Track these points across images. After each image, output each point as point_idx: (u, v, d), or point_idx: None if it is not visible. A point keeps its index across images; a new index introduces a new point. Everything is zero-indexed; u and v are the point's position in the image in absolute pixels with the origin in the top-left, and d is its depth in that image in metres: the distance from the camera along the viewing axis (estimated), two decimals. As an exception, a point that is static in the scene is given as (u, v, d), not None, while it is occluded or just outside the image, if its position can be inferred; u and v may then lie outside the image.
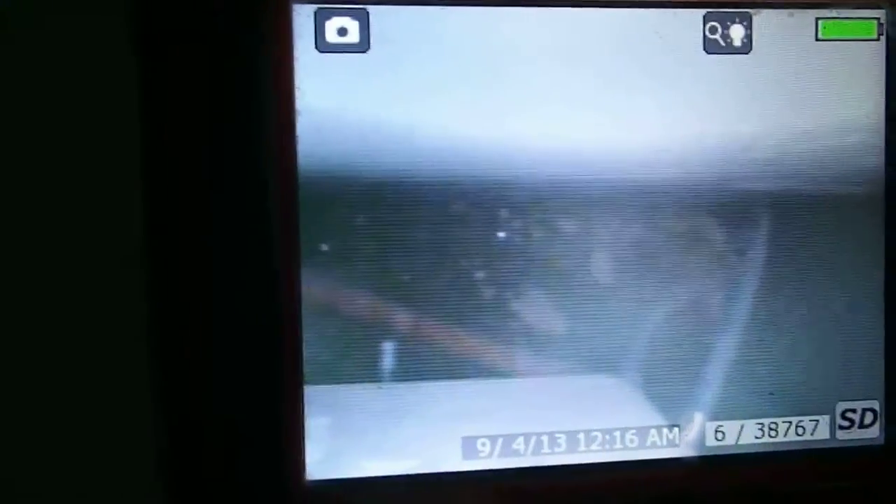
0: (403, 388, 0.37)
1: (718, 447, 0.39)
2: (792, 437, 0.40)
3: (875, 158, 0.40)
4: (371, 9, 0.36)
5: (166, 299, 0.35)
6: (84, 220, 0.34)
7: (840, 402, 0.40)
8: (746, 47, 0.39)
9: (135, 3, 0.35)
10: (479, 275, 0.37)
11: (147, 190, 0.35)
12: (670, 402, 0.39)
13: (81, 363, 0.34)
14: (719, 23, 0.39)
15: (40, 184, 0.34)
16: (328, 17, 0.36)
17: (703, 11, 0.38)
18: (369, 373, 0.37)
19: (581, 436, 0.38)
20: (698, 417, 0.39)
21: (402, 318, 0.37)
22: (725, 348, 0.39)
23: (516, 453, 0.38)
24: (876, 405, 0.40)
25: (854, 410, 0.40)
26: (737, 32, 0.39)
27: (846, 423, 0.40)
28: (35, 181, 0.34)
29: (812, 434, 0.40)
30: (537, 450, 0.38)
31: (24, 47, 0.33)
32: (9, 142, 0.33)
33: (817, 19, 0.39)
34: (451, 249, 0.37)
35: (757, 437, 0.40)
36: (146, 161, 0.35)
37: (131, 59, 0.34)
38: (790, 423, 0.40)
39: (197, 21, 0.35)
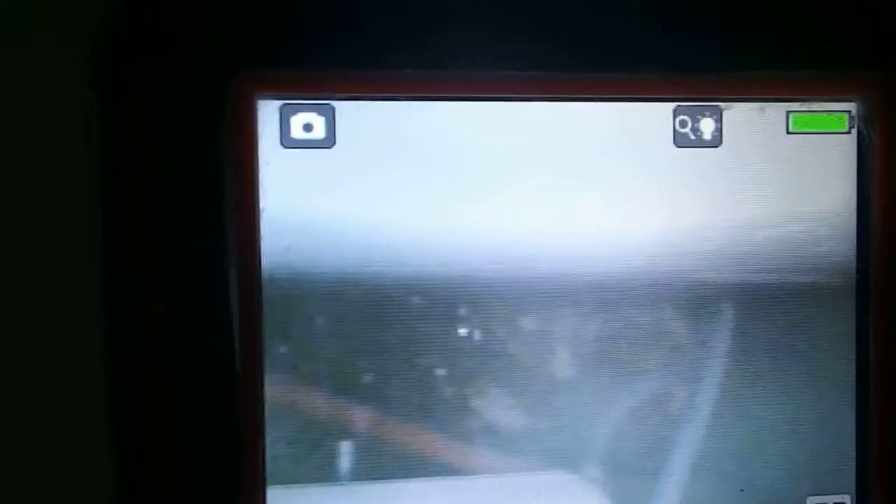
0: (365, 488, 0.37)
1: (687, 543, 0.39)
2: (762, 532, 0.39)
3: (846, 250, 0.40)
4: (337, 104, 0.36)
5: (127, 403, 0.34)
6: (40, 319, 0.34)
7: (810, 497, 0.40)
8: (717, 140, 0.39)
9: (97, 97, 0.34)
10: (441, 372, 0.37)
11: (107, 288, 0.34)
12: (636, 499, 0.39)
13: (46, 470, 0.34)
14: (689, 116, 0.38)
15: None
16: (294, 113, 0.36)
17: (672, 105, 0.38)
18: (331, 473, 0.36)
19: (547, 532, 0.38)
20: (665, 513, 0.39)
21: (364, 417, 0.36)
22: (691, 443, 0.39)
23: (481, 550, 0.38)
24: (847, 499, 0.40)
25: (825, 505, 0.40)
26: (707, 126, 0.39)
27: (817, 518, 0.40)
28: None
29: (782, 529, 0.40)
30: (503, 546, 0.38)
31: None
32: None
33: (788, 112, 0.39)
34: (413, 347, 0.37)
35: (726, 533, 0.39)
36: (106, 258, 0.34)
37: (95, 156, 0.34)
38: (760, 518, 0.39)
39: (159, 115, 0.35)
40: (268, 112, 0.36)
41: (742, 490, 0.39)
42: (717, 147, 0.39)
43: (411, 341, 0.37)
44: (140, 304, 0.35)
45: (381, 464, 0.37)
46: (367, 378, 0.36)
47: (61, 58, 0.34)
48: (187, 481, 0.35)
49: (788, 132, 0.39)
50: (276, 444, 0.36)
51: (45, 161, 0.34)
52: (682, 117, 0.38)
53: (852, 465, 0.40)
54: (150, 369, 0.35)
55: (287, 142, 0.36)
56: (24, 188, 0.34)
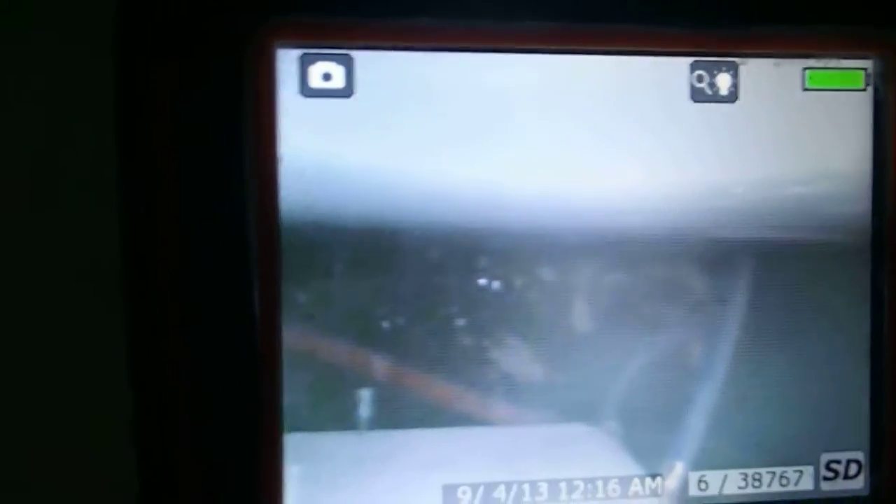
0: (383, 435, 0.37)
1: (701, 497, 0.39)
2: (776, 487, 0.40)
3: (861, 208, 0.40)
4: (356, 54, 0.36)
5: (145, 347, 0.34)
6: (59, 266, 0.34)
7: (825, 453, 0.40)
8: (733, 96, 0.39)
9: (116, 46, 0.34)
10: (459, 322, 0.37)
11: (123, 235, 0.34)
12: (652, 452, 0.39)
13: (60, 410, 0.34)
14: (706, 71, 0.38)
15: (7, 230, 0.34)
16: (313, 62, 0.36)
17: (689, 60, 0.38)
18: (349, 421, 0.36)
19: (563, 485, 0.38)
20: (681, 467, 0.39)
21: (382, 365, 0.37)
22: (708, 397, 0.39)
23: (497, 502, 0.38)
24: (860, 456, 0.40)
25: (839, 461, 0.40)
26: (723, 81, 0.39)
27: (830, 474, 0.40)
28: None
29: (796, 485, 0.40)
30: (518, 498, 0.38)
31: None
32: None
33: (804, 69, 0.39)
34: (431, 297, 0.37)
35: (740, 488, 0.39)
36: (123, 205, 0.34)
37: (110, 103, 0.34)
38: (774, 473, 0.40)
39: (179, 64, 0.35)
40: (287, 61, 0.36)
41: (756, 444, 0.39)
42: (732, 102, 0.39)
43: (430, 291, 0.37)
44: (159, 251, 0.35)
45: (398, 412, 0.37)
46: (386, 327, 0.37)
47: (78, 12, 0.34)
48: (205, 427, 0.35)
49: (804, 89, 0.39)
50: (293, 391, 0.36)
51: (63, 114, 0.34)
52: (699, 72, 0.38)
53: (866, 422, 0.40)
54: (168, 317, 0.35)
55: (306, 91, 0.36)
56: (42, 142, 0.34)
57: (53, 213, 0.34)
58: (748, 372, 0.39)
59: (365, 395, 0.37)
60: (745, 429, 0.39)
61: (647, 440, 0.39)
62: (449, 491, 0.37)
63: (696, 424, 0.39)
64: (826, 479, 0.40)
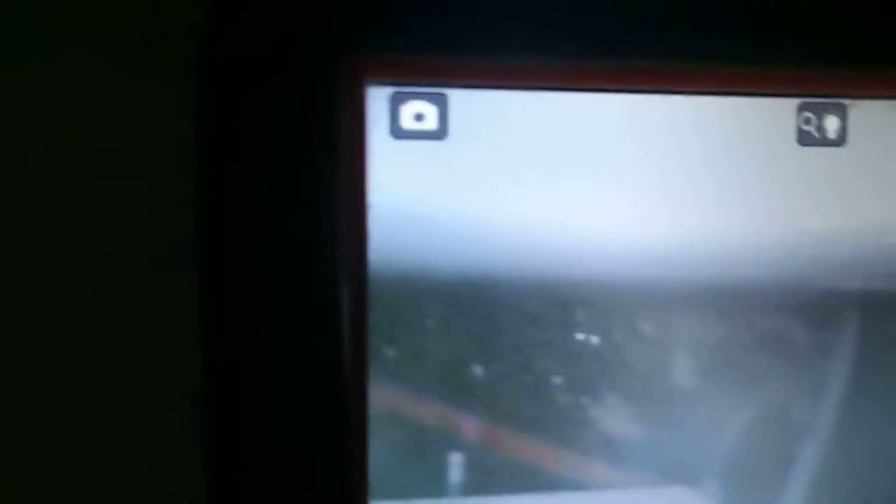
0: (475, 502, 0.34)
1: (803, 564, 0.37)
2: (881, 552, 0.37)
3: (970, 257, 0.38)
4: (451, 93, 0.34)
5: (226, 407, 0.32)
6: (136, 312, 0.32)
7: (933, 516, 0.38)
8: (841, 139, 0.37)
9: (198, 84, 0.32)
10: (556, 380, 0.35)
11: (206, 288, 0.32)
12: (753, 516, 0.37)
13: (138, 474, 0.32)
14: (814, 113, 0.36)
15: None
16: (404, 101, 0.34)
17: (797, 101, 0.36)
18: (439, 487, 0.34)
19: (659, 551, 0.36)
20: (783, 532, 0.37)
21: (475, 426, 0.34)
22: (812, 458, 0.37)
23: (591, 569, 0.36)
24: (972, 519, 0.38)
25: (946, 524, 0.38)
26: (831, 124, 0.36)
27: (940, 540, 0.38)
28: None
29: (904, 551, 0.38)
30: (613, 565, 0.36)
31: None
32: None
33: (916, 111, 0.37)
34: (527, 352, 0.34)
35: (845, 555, 0.37)
36: (208, 257, 0.32)
37: (191, 143, 0.32)
38: (880, 537, 0.37)
39: (261, 103, 0.32)
40: (378, 100, 0.33)
41: (864, 508, 0.37)
42: (840, 146, 0.37)
43: (525, 345, 0.34)
44: (241, 304, 0.32)
45: (491, 477, 0.34)
46: (478, 385, 0.34)
47: (164, 46, 0.32)
48: (286, 494, 0.33)
49: (916, 132, 0.37)
50: (380, 455, 0.33)
51: (147, 156, 0.32)
52: (806, 114, 0.36)
53: (976, 483, 0.38)
54: (249, 373, 0.32)
55: (397, 132, 0.34)
56: (124, 184, 0.32)
57: (129, 264, 0.32)
58: (855, 430, 0.37)
59: (456, 459, 0.34)
60: (852, 492, 0.37)
61: (749, 502, 0.36)
62: (541, 559, 0.35)
63: (800, 485, 0.37)
64: (934, 542, 0.38)
